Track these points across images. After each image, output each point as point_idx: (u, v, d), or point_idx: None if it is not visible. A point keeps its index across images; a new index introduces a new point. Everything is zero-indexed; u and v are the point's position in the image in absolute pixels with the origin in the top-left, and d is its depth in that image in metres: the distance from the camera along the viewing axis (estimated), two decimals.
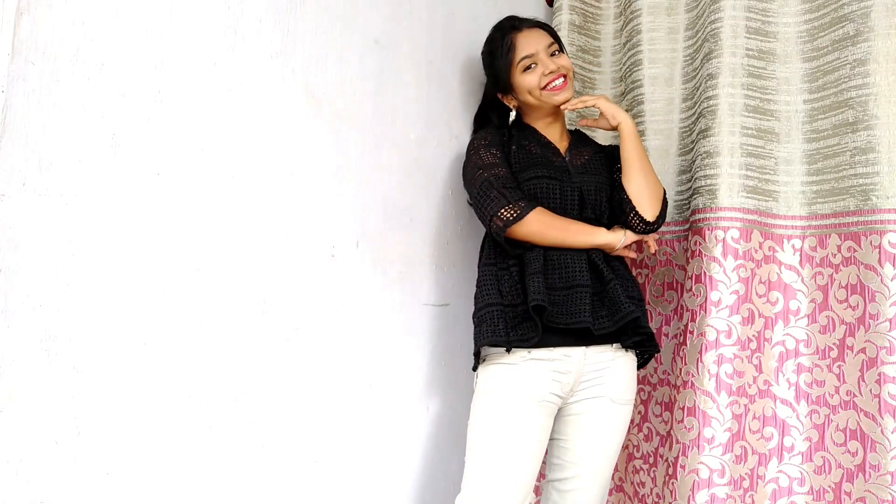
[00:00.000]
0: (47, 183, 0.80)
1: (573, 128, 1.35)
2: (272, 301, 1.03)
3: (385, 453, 1.20)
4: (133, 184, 0.88)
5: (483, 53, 1.27)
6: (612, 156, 1.23)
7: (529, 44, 1.19)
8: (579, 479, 1.11)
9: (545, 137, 1.22)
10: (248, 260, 1.01)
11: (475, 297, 1.16)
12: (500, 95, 1.25)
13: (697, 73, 1.32)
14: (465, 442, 1.12)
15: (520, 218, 1.08)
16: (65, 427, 0.81)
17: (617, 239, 1.11)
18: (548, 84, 1.18)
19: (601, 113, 1.19)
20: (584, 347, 1.08)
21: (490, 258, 1.14)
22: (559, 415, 1.13)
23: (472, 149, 1.20)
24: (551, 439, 1.14)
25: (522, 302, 1.07)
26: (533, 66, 1.18)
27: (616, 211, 1.17)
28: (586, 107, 1.18)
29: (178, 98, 0.93)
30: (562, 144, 1.24)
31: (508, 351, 1.07)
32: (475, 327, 1.12)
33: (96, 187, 0.84)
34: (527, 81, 1.19)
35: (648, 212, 1.12)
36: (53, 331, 0.80)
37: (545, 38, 1.20)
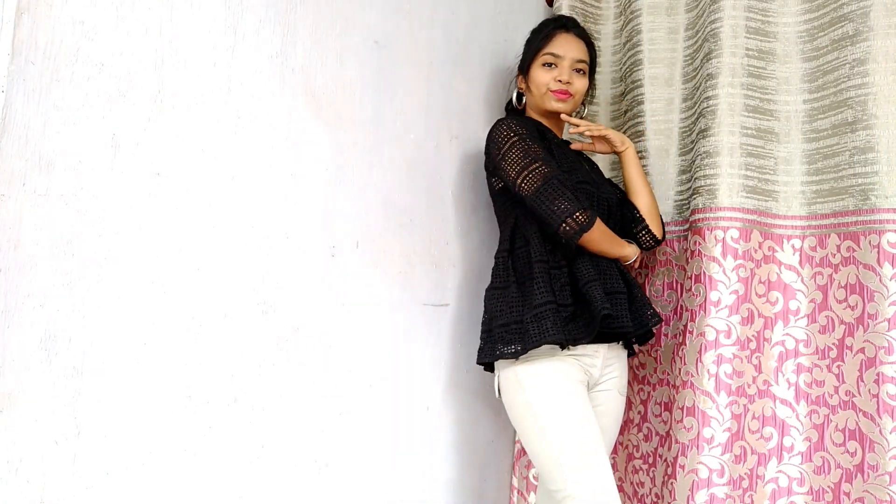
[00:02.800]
0: (47, 183, 0.80)
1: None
2: (272, 301, 1.03)
3: (385, 453, 1.20)
4: (133, 184, 0.88)
5: (531, 31, 1.31)
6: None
7: (563, 46, 1.23)
8: None
9: (554, 135, 1.27)
10: (248, 260, 1.01)
11: (520, 291, 1.11)
12: (518, 74, 1.30)
13: (697, 73, 1.32)
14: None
15: (591, 225, 1.09)
16: (65, 427, 0.81)
17: (635, 252, 1.21)
18: (554, 90, 1.22)
19: (605, 137, 1.25)
20: (605, 345, 1.16)
21: (542, 255, 1.10)
22: None
23: (514, 135, 1.13)
24: None
25: (572, 303, 1.09)
26: (553, 66, 1.23)
27: (623, 226, 1.26)
28: (591, 133, 1.23)
29: (178, 98, 0.93)
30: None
31: (564, 348, 1.09)
32: (532, 323, 1.05)
33: (96, 187, 0.84)
34: (540, 75, 1.23)
35: (657, 230, 1.26)
36: (53, 331, 0.80)
37: (579, 53, 1.24)
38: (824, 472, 1.12)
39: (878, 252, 1.07)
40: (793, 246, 1.20)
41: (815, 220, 1.19)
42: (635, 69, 1.43)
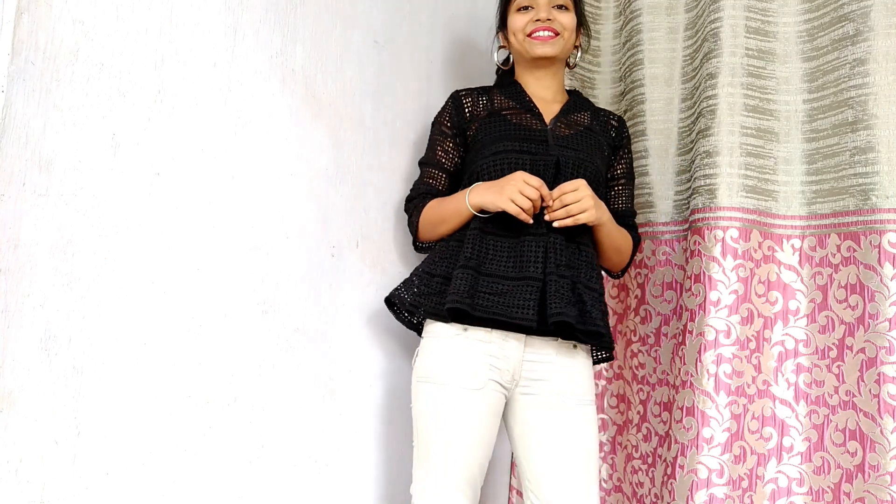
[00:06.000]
0: (47, 183, 0.80)
1: (572, 88, 1.25)
2: (272, 301, 1.03)
3: (385, 453, 1.20)
4: (133, 184, 0.88)
5: None
6: (614, 146, 1.16)
7: None
8: None
9: (530, 98, 1.13)
10: (248, 260, 1.01)
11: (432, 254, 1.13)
12: (497, 32, 1.18)
13: (697, 73, 1.32)
14: (415, 438, 1.10)
15: (413, 220, 1.13)
16: (65, 427, 0.81)
17: (476, 199, 1.02)
18: (533, 31, 1.08)
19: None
20: (520, 335, 1.04)
21: (460, 230, 1.10)
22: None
23: (434, 122, 1.17)
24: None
25: (440, 275, 1.10)
26: (529, 9, 1.10)
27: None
28: (577, 223, 1.00)
29: (178, 98, 0.93)
30: (551, 107, 1.14)
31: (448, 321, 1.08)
32: (407, 282, 1.12)
33: (96, 187, 0.84)
34: (515, 21, 1.11)
35: (614, 271, 1.19)
36: (53, 331, 0.80)
37: None
38: (824, 472, 1.12)
39: (879, 252, 1.07)
40: (792, 246, 1.20)
41: (815, 219, 1.19)
42: (635, 69, 1.43)
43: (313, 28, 1.12)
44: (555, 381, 1.02)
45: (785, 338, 1.19)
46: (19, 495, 0.77)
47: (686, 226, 1.30)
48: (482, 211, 1.03)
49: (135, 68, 0.88)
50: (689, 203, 1.29)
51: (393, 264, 1.24)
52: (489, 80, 1.49)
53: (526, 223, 1.00)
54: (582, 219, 0.99)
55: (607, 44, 1.54)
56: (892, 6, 1.10)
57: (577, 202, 0.98)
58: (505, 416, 1.07)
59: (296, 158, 1.08)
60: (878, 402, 1.04)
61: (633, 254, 1.18)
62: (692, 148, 1.31)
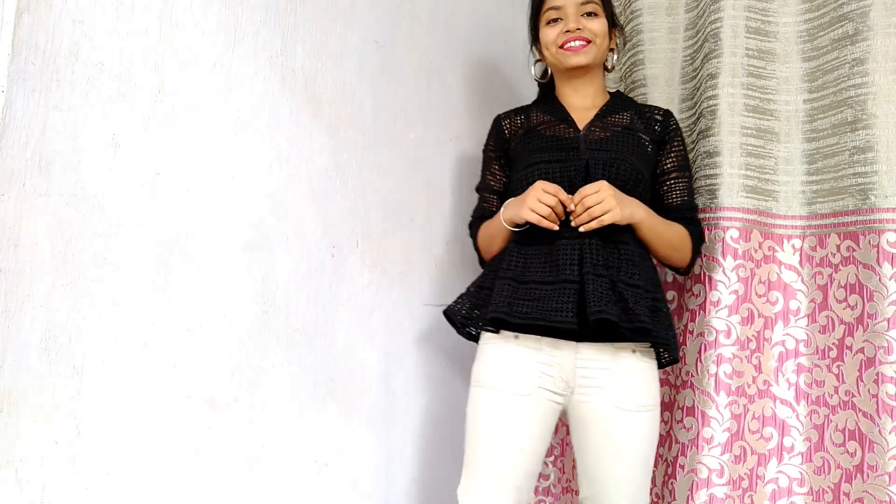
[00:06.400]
0: (47, 183, 0.80)
1: (614, 89, 1.25)
2: (272, 301, 1.03)
3: (385, 453, 1.20)
4: (133, 184, 0.88)
5: None
6: (658, 141, 1.13)
7: None
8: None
9: (565, 109, 1.14)
10: (248, 260, 1.01)
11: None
12: (531, 46, 1.20)
13: (698, 74, 1.32)
14: (465, 441, 1.12)
15: (473, 240, 1.21)
16: (65, 427, 0.81)
17: (511, 214, 1.05)
18: (564, 43, 1.09)
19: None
20: (572, 342, 1.05)
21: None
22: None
23: (483, 147, 1.23)
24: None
25: (489, 287, 1.16)
26: (558, 20, 1.10)
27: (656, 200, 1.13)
28: (602, 224, 0.99)
29: (178, 98, 0.93)
30: (587, 113, 1.14)
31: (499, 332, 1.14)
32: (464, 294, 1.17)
33: (96, 187, 0.84)
34: (546, 35, 1.12)
35: (679, 267, 1.14)
36: (53, 331, 0.80)
37: None
38: (824, 472, 1.12)
39: (878, 251, 1.07)
40: (793, 246, 1.20)
41: (816, 219, 1.19)
42: (635, 69, 1.43)
43: (313, 28, 1.12)
44: (611, 388, 1.01)
45: (785, 338, 1.19)
46: (19, 495, 0.77)
47: None
48: (516, 225, 1.06)
49: (135, 68, 0.88)
50: None
51: (393, 264, 1.24)
52: (489, 79, 1.49)
53: (556, 229, 1.00)
54: (606, 219, 0.98)
55: None
56: (891, 6, 1.10)
57: (599, 203, 0.98)
58: (568, 424, 1.09)
59: (296, 158, 1.08)
60: (877, 402, 1.04)
61: (697, 247, 1.12)
62: (693, 148, 1.31)
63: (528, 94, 1.57)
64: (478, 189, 1.22)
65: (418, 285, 1.28)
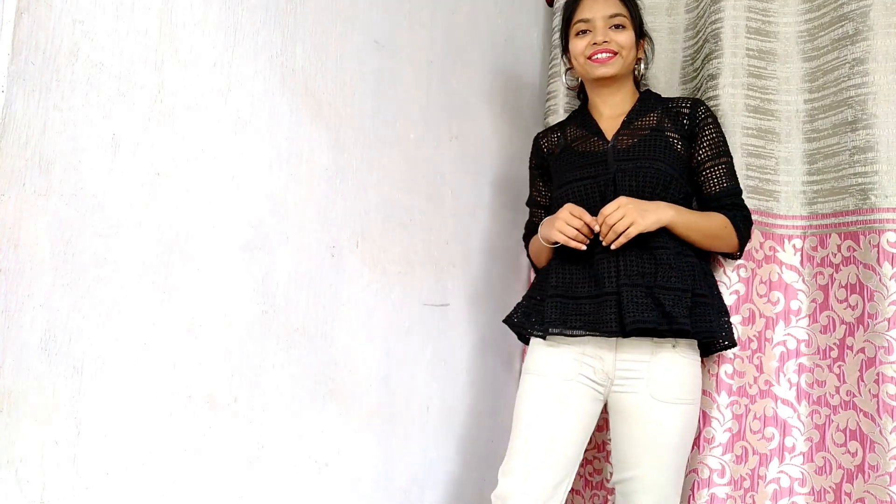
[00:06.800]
0: (47, 183, 0.80)
1: (644, 88, 1.26)
2: (272, 301, 1.03)
3: (385, 453, 1.20)
4: (133, 184, 0.88)
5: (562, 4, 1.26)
6: (688, 135, 1.14)
7: (591, 8, 1.15)
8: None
9: (595, 121, 1.18)
10: (248, 260, 1.01)
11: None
12: (562, 55, 1.27)
13: (698, 74, 1.32)
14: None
15: (526, 253, 1.31)
16: (65, 427, 0.81)
17: (553, 233, 1.10)
18: (592, 55, 1.13)
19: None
20: (612, 339, 1.13)
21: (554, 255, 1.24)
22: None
23: (529, 165, 1.33)
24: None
25: (539, 297, 1.24)
26: (587, 32, 1.15)
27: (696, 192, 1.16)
28: (630, 238, 1.02)
29: (178, 98, 0.93)
30: (616, 121, 1.16)
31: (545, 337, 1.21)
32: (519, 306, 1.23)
33: (96, 187, 0.84)
34: (575, 46, 1.17)
35: (729, 252, 1.16)
36: (53, 331, 0.80)
37: (610, 7, 1.14)
38: (826, 472, 1.12)
39: (878, 251, 1.07)
40: (794, 246, 1.20)
41: (816, 219, 1.19)
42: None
43: (313, 28, 1.12)
44: (650, 380, 1.06)
45: (787, 338, 1.19)
46: (19, 495, 0.77)
47: None
48: (552, 242, 1.13)
49: (135, 68, 0.88)
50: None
51: (393, 264, 1.24)
52: (489, 79, 1.49)
53: (583, 249, 1.07)
54: (632, 232, 1.02)
55: None
56: (891, 6, 1.10)
57: (621, 219, 1.02)
58: (608, 413, 1.14)
59: (296, 158, 1.08)
60: (877, 402, 1.04)
61: (743, 231, 1.12)
62: None
63: (527, 93, 1.57)
64: (527, 204, 1.34)
65: (418, 285, 1.28)
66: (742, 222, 1.13)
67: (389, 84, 1.26)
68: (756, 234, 1.20)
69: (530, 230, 1.31)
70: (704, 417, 1.16)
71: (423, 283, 1.29)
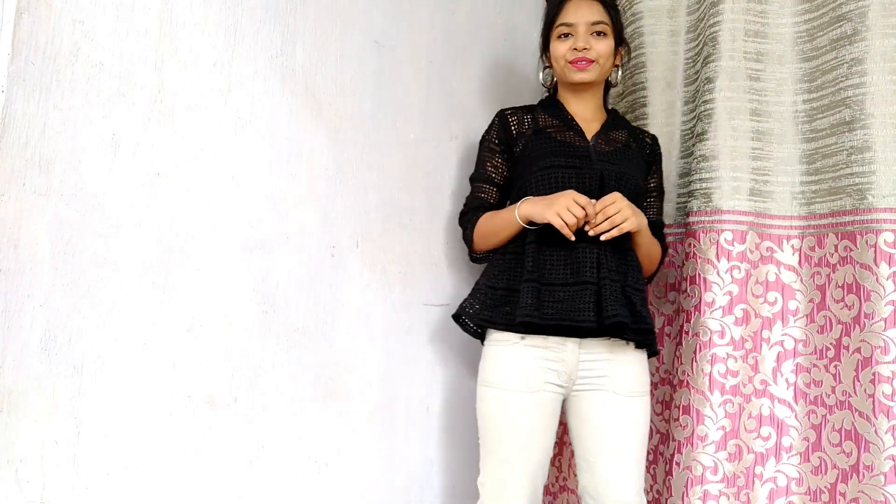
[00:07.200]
0: (47, 183, 0.80)
1: (612, 106, 1.31)
2: (272, 301, 1.03)
3: (385, 454, 1.21)
4: (133, 184, 0.88)
5: (546, 5, 1.26)
6: (648, 162, 1.23)
7: (574, 13, 1.16)
8: None
9: (572, 116, 1.20)
10: (248, 260, 1.01)
11: (493, 263, 1.20)
12: (541, 54, 1.26)
13: (698, 77, 1.32)
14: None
15: (467, 233, 1.20)
16: (65, 427, 0.81)
17: (527, 211, 1.09)
18: (574, 61, 1.16)
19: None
20: (576, 339, 1.12)
21: (517, 239, 1.17)
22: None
23: (482, 139, 1.25)
24: None
25: (505, 287, 1.17)
26: (569, 35, 1.16)
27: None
28: (622, 232, 1.06)
29: (178, 98, 0.93)
30: (591, 125, 1.20)
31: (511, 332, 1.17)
32: (472, 295, 1.19)
33: (96, 187, 0.84)
34: (556, 49, 1.17)
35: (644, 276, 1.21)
36: (53, 331, 0.80)
37: (593, 14, 1.16)
38: (821, 472, 1.12)
39: (875, 251, 1.08)
40: (792, 246, 1.21)
41: (814, 219, 1.19)
42: (637, 72, 1.43)
43: (313, 28, 1.12)
44: (611, 376, 1.09)
45: (784, 338, 1.20)
46: (19, 495, 0.77)
47: (685, 228, 1.30)
48: (530, 223, 1.10)
49: (135, 68, 0.88)
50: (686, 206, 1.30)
51: (393, 264, 1.24)
52: (489, 79, 1.50)
53: (572, 239, 1.06)
54: (625, 227, 1.06)
55: None
56: (889, 6, 1.11)
57: (619, 212, 1.05)
58: (567, 414, 1.14)
59: (296, 158, 1.08)
60: (873, 402, 1.05)
61: (662, 262, 1.24)
62: (691, 151, 1.32)
63: (528, 93, 1.57)
64: (473, 179, 1.24)
65: (418, 285, 1.28)
66: (664, 254, 1.24)
67: (389, 84, 1.26)
68: (751, 236, 1.21)
69: (476, 206, 1.21)
70: (697, 415, 1.16)
71: (423, 283, 1.29)
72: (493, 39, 1.50)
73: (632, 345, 1.11)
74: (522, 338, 1.09)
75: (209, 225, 0.96)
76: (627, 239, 1.11)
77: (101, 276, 0.84)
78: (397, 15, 1.28)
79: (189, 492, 0.92)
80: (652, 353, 1.16)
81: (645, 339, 1.10)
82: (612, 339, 1.09)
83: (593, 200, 1.07)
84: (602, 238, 1.05)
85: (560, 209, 1.04)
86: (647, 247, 1.16)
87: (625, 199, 1.07)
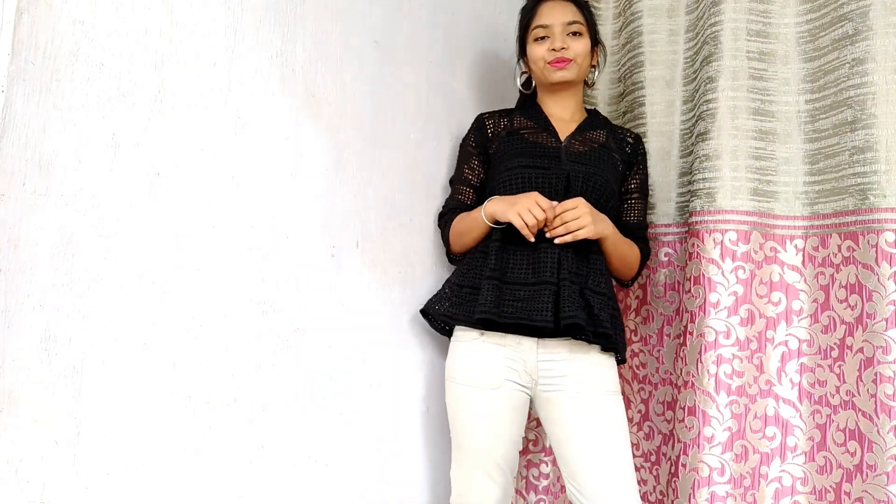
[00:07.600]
0: (47, 183, 0.80)
1: (592, 107, 1.33)
2: (272, 301, 1.03)
3: (385, 454, 1.20)
4: (133, 184, 0.88)
5: (520, 10, 1.27)
6: (628, 162, 1.24)
7: (549, 15, 1.18)
8: None
9: (547, 118, 1.21)
10: (248, 260, 1.01)
11: (462, 264, 1.23)
12: (518, 59, 1.27)
13: (697, 76, 1.32)
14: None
15: (443, 231, 1.24)
16: (65, 427, 0.80)
17: (491, 211, 1.11)
18: (552, 60, 1.17)
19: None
20: (533, 338, 1.13)
21: (484, 240, 1.20)
22: None
23: (462, 142, 1.28)
24: None
25: (469, 285, 1.21)
26: (546, 38, 1.18)
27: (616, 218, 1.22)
28: (576, 239, 1.07)
29: (178, 98, 0.93)
30: (568, 125, 1.22)
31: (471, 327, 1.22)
32: (441, 293, 1.22)
33: (96, 187, 0.84)
34: (534, 51, 1.19)
35: (623, 280, 1.25)
36: (53, 331, 0.80)
37: (568, 15, 1.18)
38: (826, 471, 1.12)
39: (877, 251, 1.07)
40: (796, 246, 1.20)
41: (818, 220, 1.19)
42: (636, 71, 1.43)
43: (313, 28, 1.12)
44: (574, 377, 1.09)
45: (788, 338, 1.19)
46: (19, 495, 0.77)
47: (687, 228, 1.30)
48: (496, 222, 1.12)
49: (135, 68, 0.88)
50: (688, 206, 1.30)
51: (393, 264, 1.24)
52: (489, 80, 1.49)
53: (533, 236, 1.07)
54: (581, 234, 1.07)
55: (606, 44, 1.54)
56: (890, 5, 1.10)
57: (576, 219, 1.06)
58: (539, 416, 1.15)
59: (296, 158, 1.08)
60: (876, 401, 1.04)
61: (643, 265, 1.24)
62: (692, 151, 1.31)
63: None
64: (452, 181, 1.28)
65: (418, 285, 1.28)
66: (646, 257, 1.25)
67: (389, 84, 1.26)
68: (755, 236, 1.21)
69: (453, 208, 1.24)
70: (703, 416, 1.16)
71: (423, 283, 1.29)
72: (493, 40, 1.50)
73: (596, 347, 1.11)
74: (482, 334, 1.11)
75: (209, 225, 0.96)
76: (591, 243, 1.11)
77: (101, 276, 0.84)
78: (397, 15, 1.28)
79: (189, 492, 0.92)
80: (620, 360, 1.15)
81: (605, 342, 1.09)
82: (573, 340, 1.10)
83: (556, 203, 1.07)
84: (556, 241, 1.07)
85: (521, 210, 1.05)
86: (619, 251, 1.16)
87: (588, 205, 1.07)
